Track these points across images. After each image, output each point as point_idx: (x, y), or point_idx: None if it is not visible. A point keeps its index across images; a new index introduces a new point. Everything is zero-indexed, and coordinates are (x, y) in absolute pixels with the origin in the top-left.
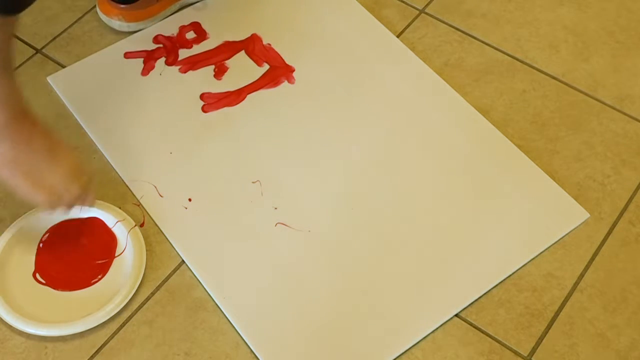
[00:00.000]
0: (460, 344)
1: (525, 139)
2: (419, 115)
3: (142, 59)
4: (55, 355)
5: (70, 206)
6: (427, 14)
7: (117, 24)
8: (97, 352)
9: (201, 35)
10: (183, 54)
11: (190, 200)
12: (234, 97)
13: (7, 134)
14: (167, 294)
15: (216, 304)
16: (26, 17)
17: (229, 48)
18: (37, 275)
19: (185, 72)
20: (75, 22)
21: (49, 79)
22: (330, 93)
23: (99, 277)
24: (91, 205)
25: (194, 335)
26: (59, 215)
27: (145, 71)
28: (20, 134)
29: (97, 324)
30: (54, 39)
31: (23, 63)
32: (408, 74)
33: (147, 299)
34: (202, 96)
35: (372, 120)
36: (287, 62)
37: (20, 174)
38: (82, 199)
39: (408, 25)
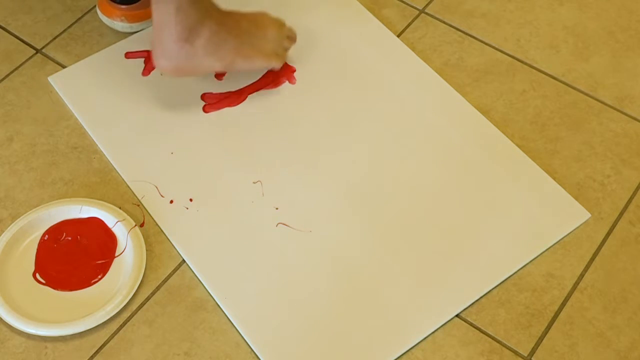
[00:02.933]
0: (460, 344)
1: (525, 139)
2: (418, 115)
3: (143, 59)
4: (55, 355)
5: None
6: (427, 14)
7: (119, 25)
8: (97, 352)
9: None
10: None
11: (191, 200)
12: (235, 98)
13: (225, 33)
14: (167, 294)
15: (216, 304)
16: (26, 17)
17: None
18: (37, 275)
19: None
20: (76, 22)
21: (49, 79)
22: (331, 93)
23: (99, 277)
24: (295, 41)
25: (194, 335)
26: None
27: (146, 71)
28: (231, 27)
29: (97, 324)
30: (54, 39)
31: (23, 63)
32: (408, 74)
33: (147, 299)
34: (202, 96)
35: (372, 120)
36: (288, 62)
37: (251, 53)
38: (293, 41)
39: (408, 25)
